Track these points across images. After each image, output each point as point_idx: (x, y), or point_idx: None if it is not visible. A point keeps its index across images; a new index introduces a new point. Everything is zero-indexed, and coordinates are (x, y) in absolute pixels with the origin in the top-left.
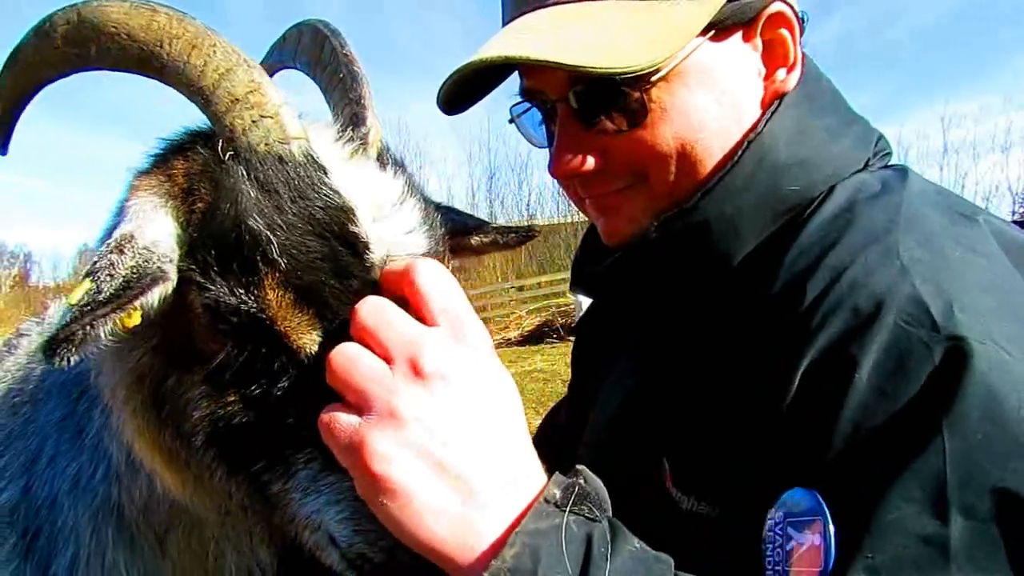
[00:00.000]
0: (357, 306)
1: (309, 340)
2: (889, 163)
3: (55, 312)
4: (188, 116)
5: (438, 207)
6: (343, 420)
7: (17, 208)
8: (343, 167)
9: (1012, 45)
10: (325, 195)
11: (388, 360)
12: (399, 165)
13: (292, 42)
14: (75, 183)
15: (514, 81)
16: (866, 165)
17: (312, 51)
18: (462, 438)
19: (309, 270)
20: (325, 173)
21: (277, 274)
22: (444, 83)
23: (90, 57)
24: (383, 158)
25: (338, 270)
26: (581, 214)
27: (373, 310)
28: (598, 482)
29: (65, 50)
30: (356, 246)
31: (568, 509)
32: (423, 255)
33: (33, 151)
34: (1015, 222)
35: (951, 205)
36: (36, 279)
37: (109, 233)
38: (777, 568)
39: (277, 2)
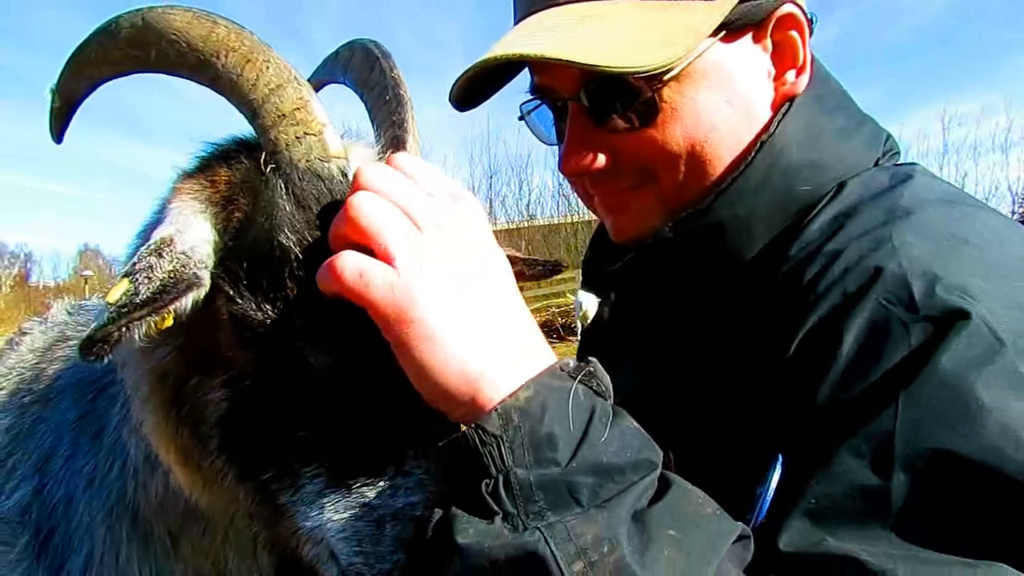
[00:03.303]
0: (358, 172)
1: (327, 359)
2: (898, 162)
3: (58, 311)
4: (194, 120)
5: None
6: (376, 268)
7: (18, 208)
8: None
9: (1012, 45)
10: None
11: (408, 214)
12: None
13: (344, 59)
14: (77, 183)
15: (518, 80)
16: (876, 164)
17: (361, 71)
18: (487, 282)
19: None
20: None
21: (303, 292)
22: (457, 80)
23: (150, 60)
24: None
25: None
26: (580, 215)
27: (381, 173)
28: (606, 376)
29: (127, 51)
30: None
31: (579, 379)
32: None
33: (35, 151)
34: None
35: (954, 200)
36: (36, 279)
37: (148, 231)
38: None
39: (277, 1)
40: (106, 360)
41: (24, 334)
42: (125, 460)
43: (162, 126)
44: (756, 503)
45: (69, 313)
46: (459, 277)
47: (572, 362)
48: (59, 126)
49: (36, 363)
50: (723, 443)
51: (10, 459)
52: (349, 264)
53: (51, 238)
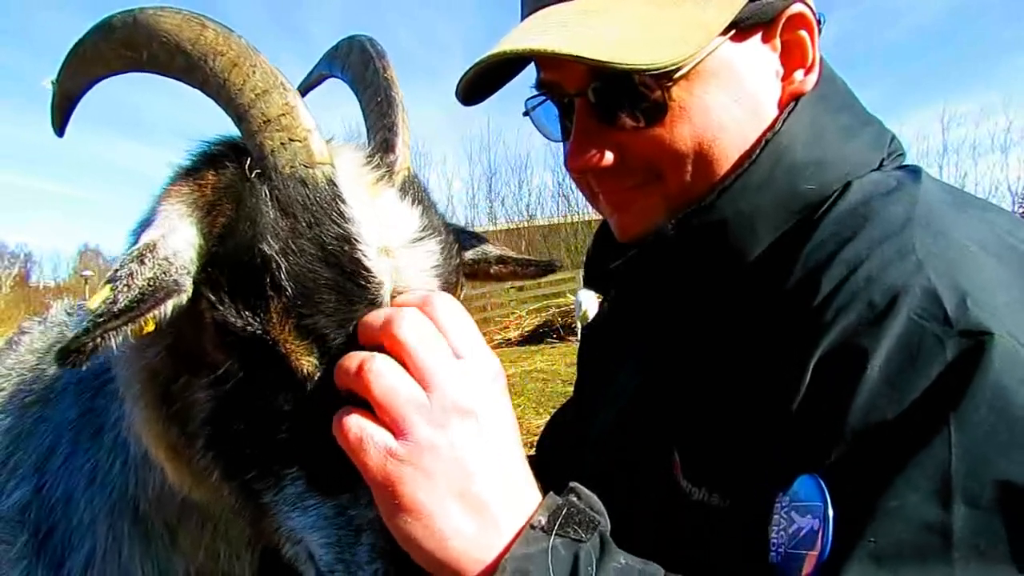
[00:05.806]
0: (398, 317)
1: (308, 363)
2: (902, 164)
3: (58, 312)
4: (195, 120)
5: (458, 234)
6: (377, 439)
7: (18, 208)
8: (362, 195)
9: (1012, 45)
10: (338, 224)
11: (424, 385)
12: (422, 193)
13: (342, 55)
14: (77, 183)
15: (519, 79)
16: (880, 165)
17: (357, 68)
18: (487, 470)
19: (315, 298)
20: (342, 202)
21: (284, 299)
22: (465, 74)
23: (142, 61)
24: (406, 188)
25: (343, 301)
26: (580, 215)
27: (417, 329)
28: (592, 498)
29: (120, 51)
30: (363, 278)
31: (554, 533)
32: (436, 288)
33: (35, 151)
34: None
35: (965, 203)
36: (36, 279)
37: (139, 231)
38: (779, 551)
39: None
40: (83, 367)
41: (23, 334)
42: (126, 457)
43: (163, 126)
44: (769, 510)
45: (68, 314)
46: (457, 460)
47: (544, 517)
48: (60, 119)
49: (36, 364)
50: (730, 445)
51: (11, 459)
52: (353, 426)
53: (51, 238)
